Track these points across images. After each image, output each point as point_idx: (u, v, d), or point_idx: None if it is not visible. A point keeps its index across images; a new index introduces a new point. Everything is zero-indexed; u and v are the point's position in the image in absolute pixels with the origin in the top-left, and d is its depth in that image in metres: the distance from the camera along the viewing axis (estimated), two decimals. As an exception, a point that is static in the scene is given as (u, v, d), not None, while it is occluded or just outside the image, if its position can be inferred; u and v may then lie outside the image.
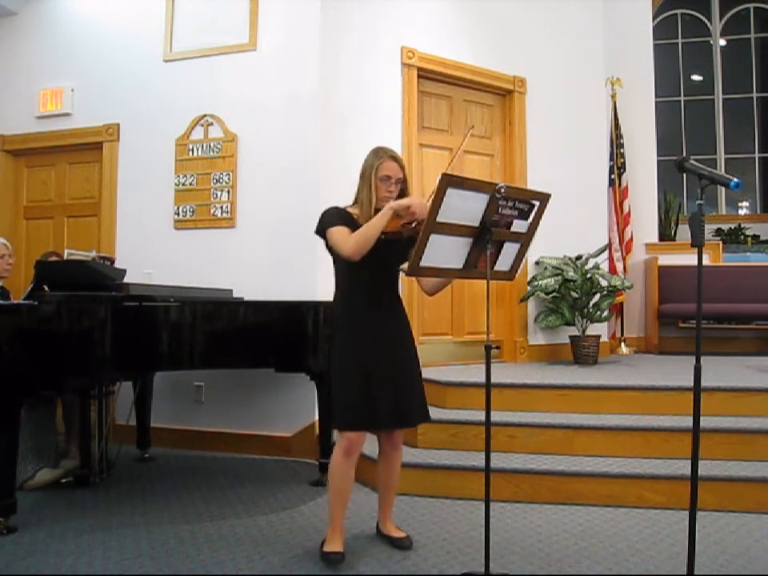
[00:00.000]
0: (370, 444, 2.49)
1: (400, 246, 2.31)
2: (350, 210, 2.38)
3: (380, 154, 2.35)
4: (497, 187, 1.99)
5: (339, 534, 2.32)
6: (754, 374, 3.75)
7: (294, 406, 3.79)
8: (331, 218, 2.33)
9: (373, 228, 2.19)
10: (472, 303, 4.53)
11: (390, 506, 2.51)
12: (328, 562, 2.25)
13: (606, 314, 4.47)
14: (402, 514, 2.75)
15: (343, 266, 2.37)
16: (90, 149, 4.41)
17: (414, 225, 2.21)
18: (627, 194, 5.50)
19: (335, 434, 2.68)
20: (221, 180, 4.05)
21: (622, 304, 5.37)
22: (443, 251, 2.04)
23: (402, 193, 2.38)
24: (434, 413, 3.38)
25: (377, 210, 2.27)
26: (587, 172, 4.95)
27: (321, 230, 2.34)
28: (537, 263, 4.61)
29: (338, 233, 2.27)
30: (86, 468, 3.23)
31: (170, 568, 2.25)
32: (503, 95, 4.73)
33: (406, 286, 4.01)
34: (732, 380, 3.42)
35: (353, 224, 2.30)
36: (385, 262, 2.35)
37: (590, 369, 4.17)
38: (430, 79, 4.40)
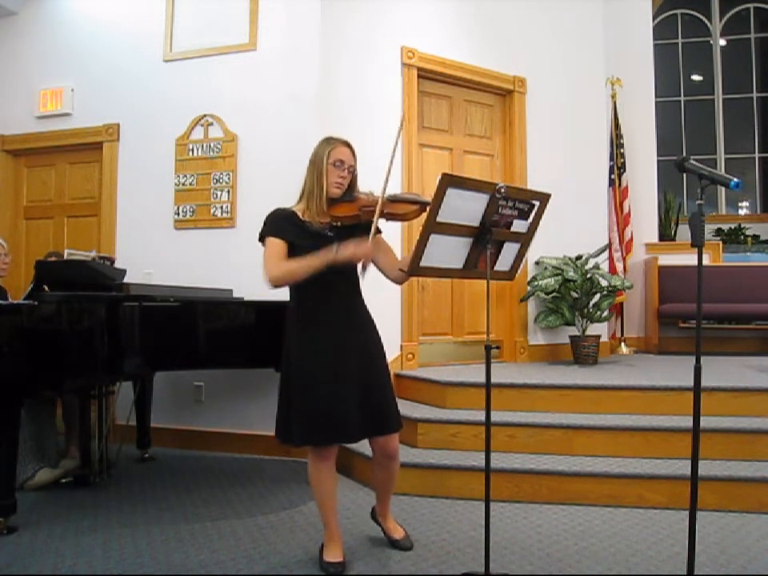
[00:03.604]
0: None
1: (355, 236, 2.18)
2: (295, 208, 2.28)
3: (332, 141, 2.27)
4: (497, 187, 1.99)
5: (337, 539, 2.27)
6: (754, 374, 3.75)
7: (294, 405, 3.79)
8: (270, 227, 2.22)
9: (303, 270, 2.11)
10: (472, 303, 4.53)
11: (388, 503, 2.49)
12: (327, 572, 2.20)
13: (606, 313, 4.47)
14: (402, 514, 2.75)
15: None
16: (90, 149, 4.41)
17: (371, 208, 2.15)
18: (627, 194, 5.50)
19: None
20: (221, 180, 4.05)
21: (621, 304, 5.37)
22: (443, 251, 2.04)
23: (351, 184, 2.29)
24: (434, 413, 3.42)
25: (329, 200, 2.20)
26: (587, 172, 4.95)
27: (261, 238, 2.24)
28: (537, 263, 4.61)
29: (271, 249, 2.18)
30: (86, 468, 3.23)
31: (169, 568, 2.25)
32: (503, 95, 4.73)
33: (405, 285, 4.00)
34: (732, 380, 3.42)
35: (296, 227, 2.21)
36: None
37: (590, 369, 4.16)
38: (430, 79, 4.40)
